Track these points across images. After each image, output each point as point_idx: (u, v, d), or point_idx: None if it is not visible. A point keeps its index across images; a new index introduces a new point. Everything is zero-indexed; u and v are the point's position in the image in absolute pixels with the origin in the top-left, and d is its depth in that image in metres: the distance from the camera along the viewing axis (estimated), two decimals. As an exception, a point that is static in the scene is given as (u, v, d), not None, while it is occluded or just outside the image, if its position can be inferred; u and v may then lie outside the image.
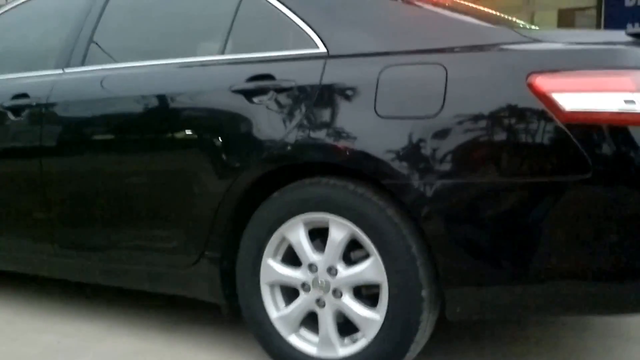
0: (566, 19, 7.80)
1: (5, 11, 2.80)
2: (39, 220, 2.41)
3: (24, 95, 2.42)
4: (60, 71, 2.41)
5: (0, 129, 2.49)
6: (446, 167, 1.68)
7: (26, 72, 2.54)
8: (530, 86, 1.61)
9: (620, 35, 1.71)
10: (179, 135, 2.10)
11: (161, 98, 2.13)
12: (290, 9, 2.02)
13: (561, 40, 1.78)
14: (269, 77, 1.95)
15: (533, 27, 2.22)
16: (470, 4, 2.43)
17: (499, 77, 1.67)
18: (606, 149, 1.56)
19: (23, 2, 2.76)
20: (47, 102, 2.35)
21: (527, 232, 1.64)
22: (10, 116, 2.43)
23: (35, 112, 2.37)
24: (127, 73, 2.27)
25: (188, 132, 2.07)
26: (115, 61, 2.36)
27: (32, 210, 2.43)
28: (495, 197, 1.66)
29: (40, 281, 2.79)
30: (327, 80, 1.86)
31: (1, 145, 2.50)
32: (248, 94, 1.96)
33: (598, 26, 7.08)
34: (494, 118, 1.65)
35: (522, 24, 2.22)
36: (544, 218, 1.62)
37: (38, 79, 2.44)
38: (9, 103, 2.44)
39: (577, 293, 1.65)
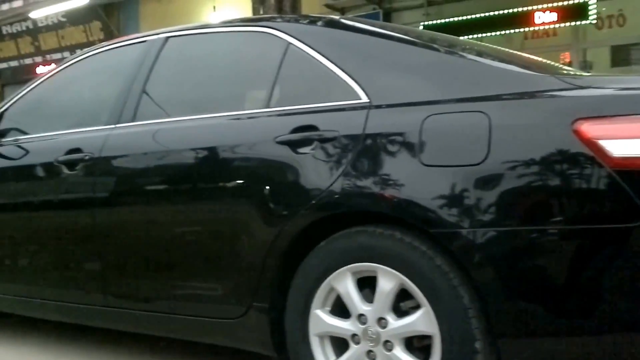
0: (619, 56, 7.74)
1: (59, 70, 2.93)
2: (91, 271, 2.47)
3: (78, 150, 2.51)
4: (112, 126, 2.49)
5: (55, 182, 2.59)
6: (494, 214, 1.66)
7: (79, 128, 2.64)
8: (577, 133, 1.59)
9: (669, 79, 1.69)
10: (226, 186, 2.14)
11: (209, 150, 2.18)
12: (332, 62, 2.06)
13: (607, 85, 1.76)
14: (312, 127, 1.98)
15: (579, 72, 2.21)
16: (514, 51, 2.44)
17: (543, 124, 1.66)
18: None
19: (75, 61, 2.89)
20: (100, 156, 2.42)
21: (578, 281, 1.59)
22: (65, 170, 2.52)
23: (88, 166, 2.45)
24: (175, 127, 2.33)
25: (235, 182, 2.11)
26: (165, 116, 2.43)
27: (84, 260, 2.50)
28: (545, 245, 1.63)
29: (90, 330, 2.83)
30: (370, 129, 1.88)
31: (56, 197, 2.59)
32: (293, 145, 1.99)
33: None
34: (540, 165, 1.63)
35: (567, 70, 2.21)
36: (594, 266, 1.58)
37: (91, 134, 2.53)
38: (63, 158, 2.53)
39: (634, 346, 1.58)
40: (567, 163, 1.60)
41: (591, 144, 1.57)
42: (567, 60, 7.55)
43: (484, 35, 7.38)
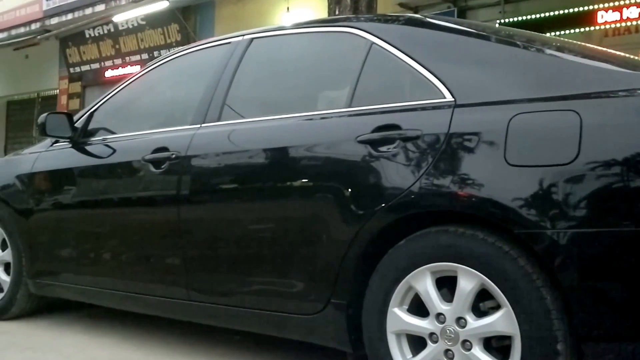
0: None
1: (146, 72, 3.05)
2: (174, 266, 2.55)
3: (164, 149, 2.59)
4: (197, 126, 2.57)
5: (141, 179, 2.69)
6: (581, 215, 1.63)
7: (165, 128, 2.74)
8: None
9: None
10: (307, 184, 2.18)
11: (291, 149, 2.23)
12: (416, 60, 2.06)
13: None
14: (395, 127, 1.99)
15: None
16: (599, 47, 2.36)
17: (636, 123, 1.61)
18: None
19: (162, 63, 2.99)
20: (186, 155, 2.51)
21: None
22: (151, 168, 2.62)
23: (174, 164, 2.53)
24: (259, 127, 2.39)
25: (316, 181, 2.15)
26: (249, 116, 2.50)
27: (168, 255, 2.59)
28: (632, 246, 1.58)
29: (172, 323, 2.92)
30: (455, 128, 1.88)
31: (142, 194, 2.69)
32: (374, 144, 2.01)
33: None
34: (632, 165, 1.58)
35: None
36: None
37: (177, 134, 2.62)
38: (150, 156, 2.63)
39: None
40: None
41: None
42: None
43: (562, 32, 7.15)
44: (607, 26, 7.28)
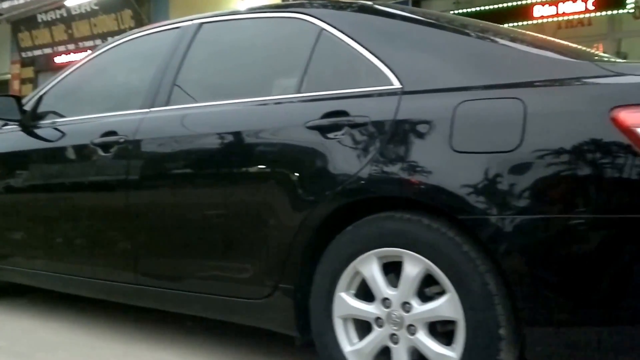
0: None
1: (95, 56, 2.99)
2: (123, 250, 2.53)
3: (113, 133, 2.56)
4: (146, 110, 2.54)
5: (89, 164, 2.65)
6: (525, 202, 1.66)
7: (115, 112, 2.70)
8: (614, 120, 1.57)
9: None
10: (256, 169, 2.17)
11: (239, 134, 2.21)
12: (365, 47, 2.06)
13: (645, 72, 1.73)
14: (343, 113, 1.99)
15: (618, 60, 2.17)
16: (550, 38, 2.40)
17: (580, 111, 1.64)
18: (696, 184, 1.50)
19: (111, 48, 2.95)
20: (134, 139, 2.48)
21: (608, 270, 1.58)
22: (100, 152, 2.58)
23: (123, 148, 2.50)
24: (207, 111, 2.37)
25: (265, 166, 2.14)
26: (197, 101, 2.47)
27: (117, 240, 2.56)
28: (576, 233, 1.62)
29: (120, 307, 2.90)
30: (402, 115, 1.88)
31: (91, 178, 2.66)
32: (323, 130, 2.01)
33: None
34: (576, 153, 1.61)
35: (606, 57, 2.17)
36: (628, 256, 1.57)
37: (126, 118, 2.58)
38: (98, 140, 2.59)
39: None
40: (603, 151, 1.59)
41: (628, 132, 1.55)
42: (601, 50, 7.40)
43: (515, 24, 7.27)
44: (561, 18, 7.44)
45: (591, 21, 7.59)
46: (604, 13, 7.12)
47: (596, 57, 2.09)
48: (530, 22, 7.40)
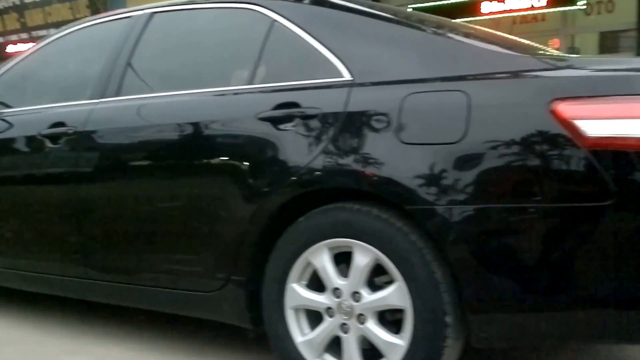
0: (608, 42, 7.78)
1: (44, 45, 2.92)
2: (73, 244, 2.48)
3: (61, 124, 2.51)
4: (96, 101, 2.49)
5: (38, 155, 2.59)
6: (469, 192, 1.69)
7: (63, 102, 2.64)
8: (554, 113, 1.62)
9: (643, 62, 1.72)
10: (207, 161, 2.16)
11: (190, 126, 2.19)
12: (316, 39, 2.07)
13: (585, 66, 1.79)
14: (295, 105, 1.99)
15: (559, 53, 2.23)
16: (496, 32, 2.45)
17: (521, 104, 1.68)
18: (629, 175, 1.56)
19: (60, 36, 2.88)
20: (83, 130, 2.43)
21: (549, 258, 1.63)
22: (48, 143, 2.52)
23: (72, 140, 2.45)
24: (158, 102, 2.34)
25: (216, 158, 2.13)
26: (148, 91, 2.44)
27: (66, 233, 2.51)
28: (517, 222, 1.66)
29: (70, 302, 2.85)
30: (352, 107, 1.90)
31: (39, 170, 2.59)
32: (274, 121, 2.01)
33: (638, 48, 7.06)
34: (517, 144, 1.66)
35: (548, 51, 2.23)
36: (567, 244, 1.62)
37: (75, 108, 2.53)
38: (47, 131, 2.53)
39: (603, 321, 1.63)
40: (543, 143, 1.63)
41: (567, 124, 1.60)
42: (556, 46, 7.58)
43: (473, 19, 7.38)
44: (517, 14, 7.60)
45: (545, 17, 7.77)
46: (556, 9, 7.28)
47: (540, 52, 2.14)
48: (486, 17, 7.52)
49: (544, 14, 7.63)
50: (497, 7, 7.45)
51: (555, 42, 7.74)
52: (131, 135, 2.34)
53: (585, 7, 7.29)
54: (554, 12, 7.41)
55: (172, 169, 2.23)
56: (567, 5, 7.20)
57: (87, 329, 2.70)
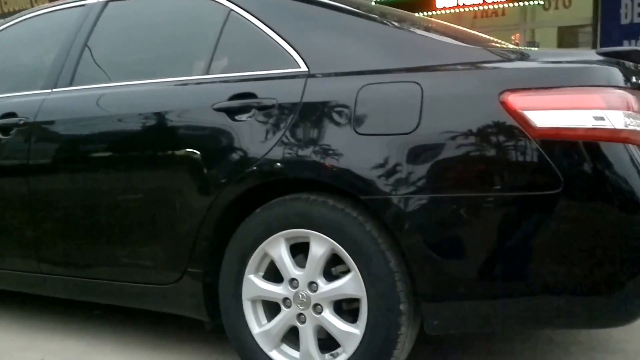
0: (566, 37, 7.94)
1: (-4, 33, 2.84)
2: (25, 238, 2.43)
3: (12, 115, 2.45)
4: (48, 91, 2.44)
5: (-12, 147, 2.52)
6: (422, 182, 1.72)
7: (15, 92, 2.57)
8: (503, 104, 1.65)
9: (591, 55, 1.76)
10: (162, 152, 2.13)
11: (145, 116, 2.16)
12: (273, 30, 2.06)
13: (535, 58, 1.82)
14: (251, 95, 1.98)
15: (512, 46, 2.27)
16: (450, 24, 2.48)
17: (473, 95, 1.71)
18: (576, 164, 1.60)
19: (11, 25, 2.81)
20: (35, 121, 2.38)
21: (500, 246, 1.66)
22: (-1, 135, 2.46)
23: (23, 131, 2.40)
24: (112, 92, 2.31)
25: (171, 149, 2.11)
26: (102, 81, 2.39)
27: (17, 227, 2.45)
28: (469, 211, 1.69)
29: (22, 298, 2.79)
30: (307, 98, 1.90)
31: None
32: (230, 112, 2.00)
33: (595, 43, 7.22)
34: (469, 135, 1.68)
35: (501, 43, 2.27)
36: (517, 232, 1.65)
37: (27, 99, 2.47)
38: (-3, 122, 2.47)
39: (553, 307, 1.67)
40: (495, 133, 1.66)
41: (517, 115, 1.63)
42: (517, 41, 7.71)
43: (434, 12, 7.46)
44: (477, 8, 7.69)
45: (505, 12, 7.89)
46: (516, 4, 7.39)
47: (493, 44, 2.18)
48: (448, 11, 7.59)
49: (504, 8, 7.74)
50: (450, 2, 7.53)
51: (517, 36, 7.87)
52: (84, 126, 2.30)
53: (543, 2, 7.42)
54: (513, 7, 7.52)
55: (124, 160, 2.20)
56: (521, 1, 7.30)
57: (41, 324, 2.65)
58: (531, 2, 7.31)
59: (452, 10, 7.52)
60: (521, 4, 7.34)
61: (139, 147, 2.17)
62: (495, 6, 7.57)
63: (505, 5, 7.44)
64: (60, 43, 2.51)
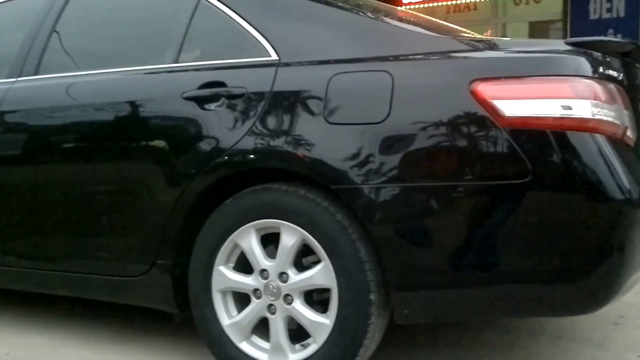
0: (537, 31, 8.04)
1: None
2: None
3: (-24, 104, 2.38)
4: (13, 80, 2.38)
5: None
6: (392, 171, 1.71)
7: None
8: (473, 93, 1.65)
9: (560, 44, 1.77)
10: (130, 142, 2.10)
11: (114, 105, 2.13)
12: (243, 18, 2.04)
13: (504, 48, 1.83)
14: (220, 84, 1.96)
15: (482, 36, 2.28)
16: (421, 15, 2.48)
17: (442, 84, 1.71)
18: (544, 153, 1.61)
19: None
20: (-1, 110, 2.32)
21: (470, 235, 1.67)
22: (-38, 125, 2.39)
23: (-14, 121, 2.34)
24: (79, 81, 2.26)
25: (139, 139, 2.07)
26: (69, 70, 2.34)
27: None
28: (439, 201, 1.69)
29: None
30: (278, 87, 1.88)
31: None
32: (200, 101, 1.97)
33: (565, 38, 7.31)
34: (438, 124, 1.68)
35: (470, 33, 2.27)
36: (486, 221, 1.66)
37: (-10, 88, 2.41)
38: (-40, 112, 2.40)
39: (522, 295, 1.69)
40: (464, 122, 1.66)
41: (486, 104, 1.64)
42: (489, 34, 7.79)
43: (407, 7, 7.49)
44: (450, 3, 7.74)
45: (477, 6, 7.96)
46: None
47: (462, 34, 2.18)
48: (422, 5, 7.63)
49: (475, 3, 7.81)
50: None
51: (489, 31, 7.95)
52: (49, 116, 2.25)
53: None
54: (484, 2, 7.59)
55: (93, 150, 2.16)
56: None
57: (8, 318, 2.60)
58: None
59: (418, 6, 7.56)
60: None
61: (107, 137, 2.13)
62: (459, 2, 7.62)
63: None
64: (27, 31, 2.45)
